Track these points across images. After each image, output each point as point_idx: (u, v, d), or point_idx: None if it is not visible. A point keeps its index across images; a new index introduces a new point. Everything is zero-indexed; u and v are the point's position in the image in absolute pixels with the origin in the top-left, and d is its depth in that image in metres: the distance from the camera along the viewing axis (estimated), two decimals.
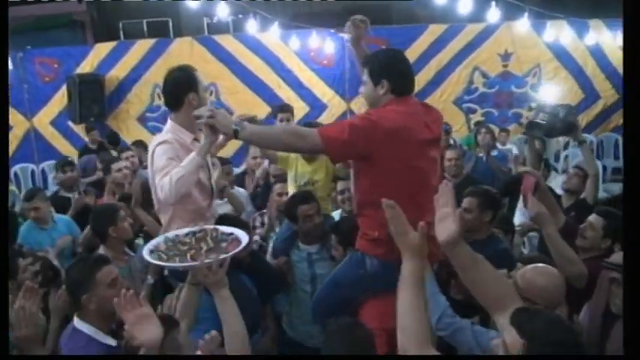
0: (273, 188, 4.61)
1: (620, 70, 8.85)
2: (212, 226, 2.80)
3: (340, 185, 4.14)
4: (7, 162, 3.26)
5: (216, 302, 2.40)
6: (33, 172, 9.68)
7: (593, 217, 3.36)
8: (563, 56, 9.34)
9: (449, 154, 5.42)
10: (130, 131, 9.73)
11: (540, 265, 2.65)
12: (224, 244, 2.60)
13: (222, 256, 2.43)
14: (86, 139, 8.93)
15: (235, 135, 2.73)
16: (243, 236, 2.66)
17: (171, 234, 2.75)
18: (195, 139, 3.18)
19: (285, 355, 3.71)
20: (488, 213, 3.59)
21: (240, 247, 2.56)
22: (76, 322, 2.57)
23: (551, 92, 8.90)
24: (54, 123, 10.00)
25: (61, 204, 5.24)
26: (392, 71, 2.79)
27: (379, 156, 2.67)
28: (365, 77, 2.87)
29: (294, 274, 3.74)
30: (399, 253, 2.57)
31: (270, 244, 4.01)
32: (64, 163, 5.91)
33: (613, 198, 5.20)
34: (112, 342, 2.55)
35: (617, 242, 3.21)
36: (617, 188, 8.30)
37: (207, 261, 2.39)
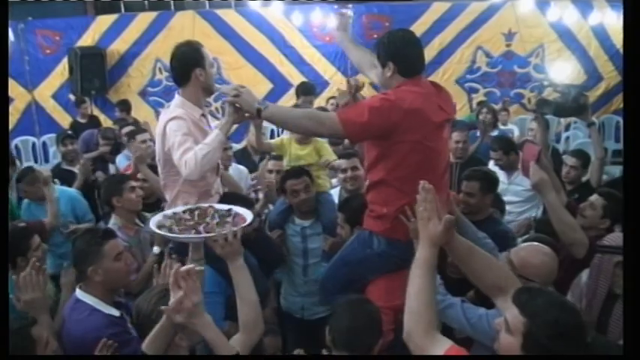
0: (266, 164, 4.63)
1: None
2: (207, 204, 2.85)
3: (342, 164, 4.16)
4: (7, 153, 3.28)
5: (231, 272, 2.44)
6: (34, 144, 9.69)
7: (593, 197, 3.39)
8: (566, 36, 9.30)
9: (456, 135, 5.35)
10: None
11: (534, 243, 2.70)
12: (228, 219, 2.65)
13: (236, 227, 2.48)
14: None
15: (258, 113, 2.78)
16: (245, 212, 2.71)
17: (168, 212, 2.79)
18: (203, 115, 3.22)
19: (286, 356, 3.78)
20: (490, 195, 3.62)
21: (248, 222, 2.63)
22: (79, 293, 2.61)
23: (554, 73, 8.87)
24: (55, 96, 9.96)
25: (63, 176, 5.36)
26: (397, 53, 2.79)
27: (396, 136, 2.69)
28: (375, 60, 2.90)
29: (287, 246, 3.82)
30: (405, 231, 2.62)
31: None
32: (64, 137, 5.98)
33: (613, 180, 5.19)
34: (116, 312, 2.60)
35: (616, 224, 3.24)
36: (617, 171, 8.30)
37: (223, 232, 2.44)
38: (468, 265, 2.20)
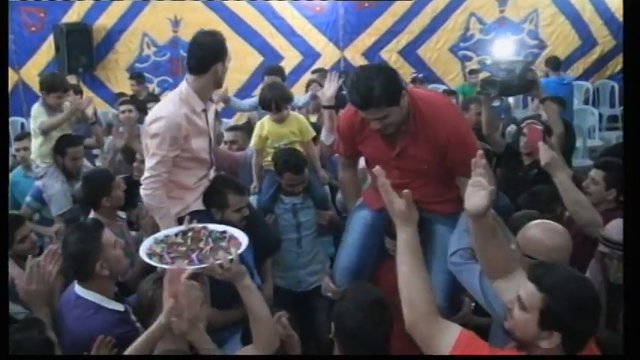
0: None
1: (618, 15, 8.71)
2: (201, 225, 2.72)
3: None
4: (7, 153, 3.23)
5: (240, 292, 2.37)
6: (23, 125, 9.52)
7: (593, 172, 3.32)
8: (560, 1, 9.14)
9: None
10: (119, 82, 9.54)
11: (545, 221, 2.51)
12: (223, 244, 2.55)
13: (230, 256, 2.37)
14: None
15: None
16: (240, 235, 2.61)
17: (160, 235, 2.67)
18: (204, 110, 3.14)
19: (286, 356, 3.73)
20: None
21: (244, 247, 2.51)
22: (79, 290, 2.53)
23: (548, 39, 8.77)
24: (42, 75, 9.77)
25: None
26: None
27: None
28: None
29: (279, 225, 3.81)
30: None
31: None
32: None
33: (608, 149, 5.09)
34: (120, 307, 2.55)
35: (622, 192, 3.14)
36: (613, 137, 8.28)
37: (217, 262, 2.34)
38: (485, 245, 2.14)
